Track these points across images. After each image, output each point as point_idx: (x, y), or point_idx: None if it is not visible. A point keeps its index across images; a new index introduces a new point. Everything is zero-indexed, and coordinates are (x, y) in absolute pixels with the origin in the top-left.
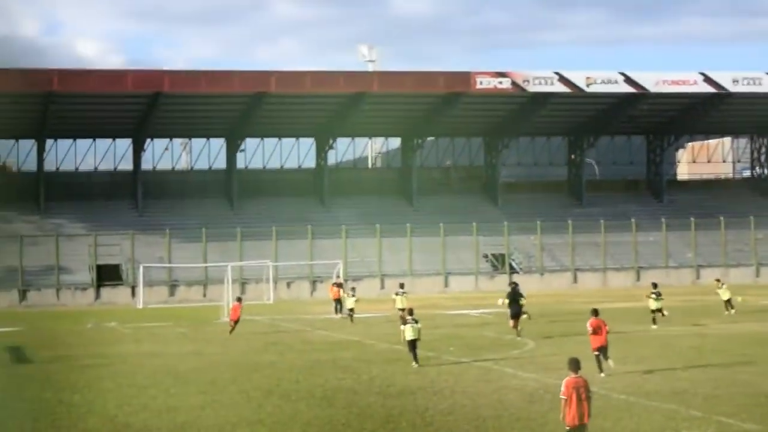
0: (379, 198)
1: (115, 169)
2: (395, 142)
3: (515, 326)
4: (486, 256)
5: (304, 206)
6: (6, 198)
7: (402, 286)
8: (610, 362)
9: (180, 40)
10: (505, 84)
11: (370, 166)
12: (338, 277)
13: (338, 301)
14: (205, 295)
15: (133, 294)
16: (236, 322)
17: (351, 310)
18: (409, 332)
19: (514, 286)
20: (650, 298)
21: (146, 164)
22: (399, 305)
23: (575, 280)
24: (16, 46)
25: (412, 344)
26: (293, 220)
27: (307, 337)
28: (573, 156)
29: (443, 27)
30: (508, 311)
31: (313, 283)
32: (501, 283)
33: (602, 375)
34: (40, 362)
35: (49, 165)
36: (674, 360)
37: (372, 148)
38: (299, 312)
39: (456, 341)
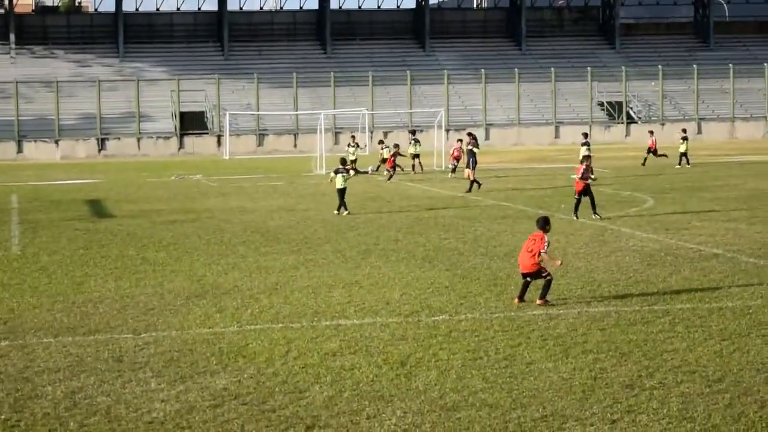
0: (485, 41)
1: (199, 9)
2: None
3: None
4: (601, 105)
5: (403, 50)
6: (82, 40)
7: (414, 132)
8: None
9: None
10: None
11: (475, 5)
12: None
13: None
14: (295, 146)
15: (219, 144)
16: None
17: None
18: (339, 181)
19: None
20: None
21: (232, 4)
22: (412, 150)
23: (699, 130)
24: None
25: (341, 193)
26: (391, 65)
27: (408, 192)
28: None
29: None
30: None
31: (413, 132)
32: (618, 133)
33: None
34: (122, 217)
35: (128, 5)
36: None
37: None
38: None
39: (568, 198)
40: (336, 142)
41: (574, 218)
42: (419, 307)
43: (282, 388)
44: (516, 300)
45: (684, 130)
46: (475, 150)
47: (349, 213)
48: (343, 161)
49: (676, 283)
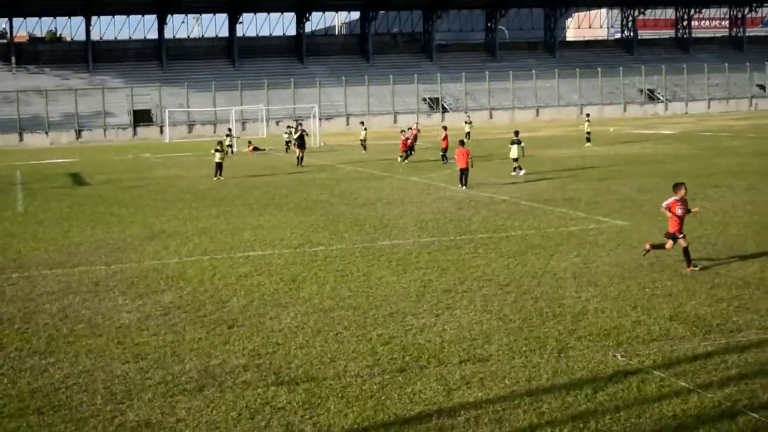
0: (344, 57)
1: (145, 37)
2: (356, 15)
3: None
4: (425, 99)
5: (288, 65)
6: (62, 61)
7: (296, 122)
8: (465, 187)
9: None
10: None
11: (337, 33)
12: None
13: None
14: (215, 132)
15: (161, 132)
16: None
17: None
18: (217, 157)
19: (299, 125)
20: (586, 122)
21: (168, 33)
22: (286, 138)
23: (491, 116)
24: None
25: (219, 165)
26: (280, 75)
27: (293, 163)
28: (489, 23)
29: None
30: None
31: (296, 121)
32: (436, 119)
33: (463, 188)
34: (95, 184)
35: (95, 35)
36: (564, 175)
37: (338, 20)
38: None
39: (403, 165)
40: (243, 129)
41: (462, 187)
42: (304, 241)
43: (210, 300)
44: (648, 245)
45: (444, 127)
46: (304, 134)
47: (223, 179)
48: (220, 143)
49: (477, 220)
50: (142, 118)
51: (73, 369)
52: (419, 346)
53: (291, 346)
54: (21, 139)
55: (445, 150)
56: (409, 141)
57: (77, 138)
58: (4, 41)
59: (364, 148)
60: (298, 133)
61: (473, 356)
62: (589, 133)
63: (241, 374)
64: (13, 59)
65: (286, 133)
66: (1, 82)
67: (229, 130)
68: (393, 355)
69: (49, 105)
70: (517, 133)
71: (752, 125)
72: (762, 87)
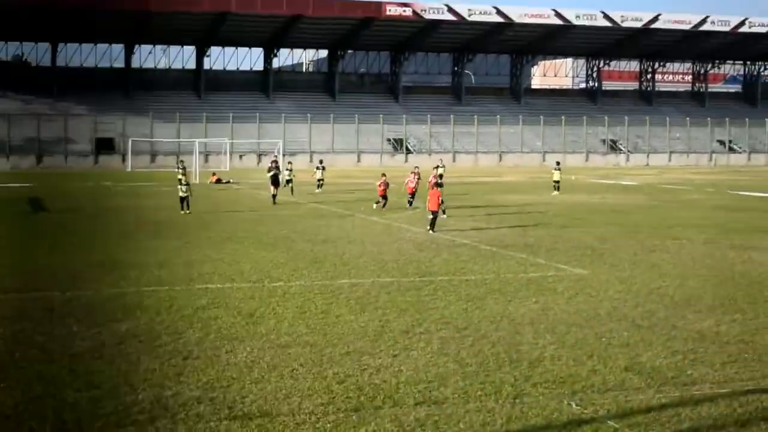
0: (310, 94)
1: (111, 66)
2: (324, 53)
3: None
4: (389, 140)
5: (255, 99)
6: (27, 86)
7: (321, 161)
8: (432, 231)
9: None
10: (408, 12)
11: (304, 70)
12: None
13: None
14: (177, 163)
15: (123, 160)
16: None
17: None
18: (182, 191)
19: (275, 163)
20: (555, 171)
21: (135, 63)
22: (318, 176)
23: (455, 159)
24: None
25: (183, 198)
26: (246, 109)
27: (257, 197)
28: (456, 68)
29: None
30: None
31: (259, 156)
32: (400, 159)
33: (431, 232)
34: (54, 211)
35: (60, 61)
36: (526, 221)
37: (306, 57)
38: (250, 177)
39: (365, 204)
40: (206, 161)
41: (431, 231)
42: (263, 276)
43: (166, 331)
44: None
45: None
46: (277, 173)
47: (190, 212)
48: (183, 175)
49: (438, 262)
50: (104, 146)
51: (24, 396)
52: (375, 386)
53: (246, 381)
54: None
55: (412, 194)
56: (411, 188)
57: (38, 163)
58: None
59: (319, 187)
60: (272, 172)
61: (428, 398)
62: (557, 181)
63: (194, 407)
64: None
65: (179, 172)
66: None
67: (181, 161)
68: (348, 394)
69: (11, 129)
70: (440, 176)
71: (711, 180)
72: (722, 143)
